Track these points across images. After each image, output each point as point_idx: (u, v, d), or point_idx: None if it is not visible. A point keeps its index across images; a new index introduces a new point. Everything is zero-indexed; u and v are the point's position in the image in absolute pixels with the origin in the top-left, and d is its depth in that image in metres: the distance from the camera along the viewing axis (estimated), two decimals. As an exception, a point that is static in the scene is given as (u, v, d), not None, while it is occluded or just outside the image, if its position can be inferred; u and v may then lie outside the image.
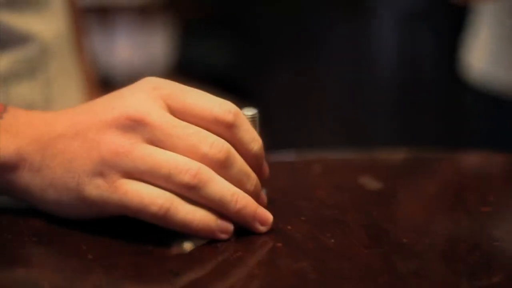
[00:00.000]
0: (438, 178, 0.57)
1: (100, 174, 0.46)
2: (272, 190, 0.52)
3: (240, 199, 0.46)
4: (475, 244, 0.46)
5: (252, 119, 0.49)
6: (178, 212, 0.45)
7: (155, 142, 0.46)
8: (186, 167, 0.45)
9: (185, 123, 0.46)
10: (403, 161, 0.62)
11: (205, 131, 0.46)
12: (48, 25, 0.68)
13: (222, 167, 0.46)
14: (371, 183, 0.55)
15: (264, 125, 0.52)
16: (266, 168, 0.50)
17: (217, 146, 0.46)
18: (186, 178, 0.45)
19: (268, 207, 0.48)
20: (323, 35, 2.27)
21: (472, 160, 0.63)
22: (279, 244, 0.46)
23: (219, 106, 0.47)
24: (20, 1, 0.65)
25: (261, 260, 0.45)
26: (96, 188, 0.46)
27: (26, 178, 0.49)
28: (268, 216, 0.47)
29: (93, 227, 0.47)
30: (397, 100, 2.24)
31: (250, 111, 0.50)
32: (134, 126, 0.46)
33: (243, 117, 0.48)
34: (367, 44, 2.26)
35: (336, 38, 2.29)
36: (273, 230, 0.47)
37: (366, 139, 2.21)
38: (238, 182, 0.47)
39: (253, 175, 0.48)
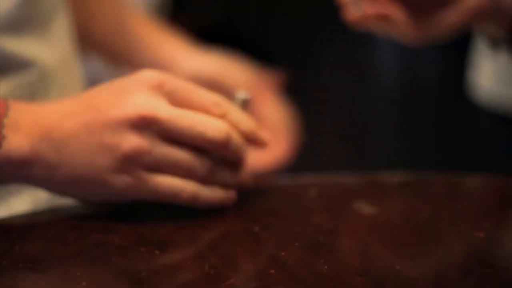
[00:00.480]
0: (433, 202, 0.57)
1: (125, 171, 0.51)
2: (267, 213, 0.52)
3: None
4: (468, 271, 0.47)
5: (244, 103, 0.56)
6: (202, 195, 0.53)
7: (168, 135, 0.51)
8: (198, 160, 0.53)
9: (191, 112, 0.52)
10: (398, 185, 0.62)
11: (206, 117, 0.52)
12: (49, 50, 0.68)
13: (224, 146, 0.53)
14: (366, 208, 0.56)
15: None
16: (263, 136, 0.56)
17: (220, 129, 0.52)
18: (200, 171, 0.52)
19: (263, 232, 0.49)
20: (325, 56, 2.28)
21: (469, 183, 0.63)
22: (272, 271, 0.46)
23: (212, 100, 0.53)
24: (20, 24, 0.65)
25: (254, 287, 0.45)
26: (125, 183, 0.51)
27: (44, 174, 0.52)
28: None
29: (88, 254, 0.48)
30: (402, 121, 2.23)
31: (242, 95, 0.57)
32: (149, 124, 0.51)
33: (231, 105, 0.54)
34: (370, 63, 2.26)
35: (339, 55, 2.29)
36: (266, 256, 0.47)
37: (369, 161, 2.20)
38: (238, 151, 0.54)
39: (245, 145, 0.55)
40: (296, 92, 2.42)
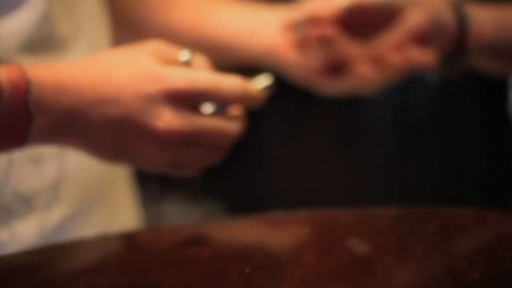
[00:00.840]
0: (427, 240, 0.56)
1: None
2: (259, 253, 0.52)
3: None
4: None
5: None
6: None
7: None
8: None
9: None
10: (392, 220, 0.61)
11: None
12: None
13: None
14: (359, 246, 0.55)
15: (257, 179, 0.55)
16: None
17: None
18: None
19: (254, 273, 0.48)
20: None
21: (463, 218, 0.62)
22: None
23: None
24: (35, 45, 0.65)
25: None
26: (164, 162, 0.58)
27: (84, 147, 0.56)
28: None
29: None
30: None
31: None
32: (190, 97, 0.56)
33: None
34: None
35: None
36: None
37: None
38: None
39: None
40: (290, 119, 2.40)
